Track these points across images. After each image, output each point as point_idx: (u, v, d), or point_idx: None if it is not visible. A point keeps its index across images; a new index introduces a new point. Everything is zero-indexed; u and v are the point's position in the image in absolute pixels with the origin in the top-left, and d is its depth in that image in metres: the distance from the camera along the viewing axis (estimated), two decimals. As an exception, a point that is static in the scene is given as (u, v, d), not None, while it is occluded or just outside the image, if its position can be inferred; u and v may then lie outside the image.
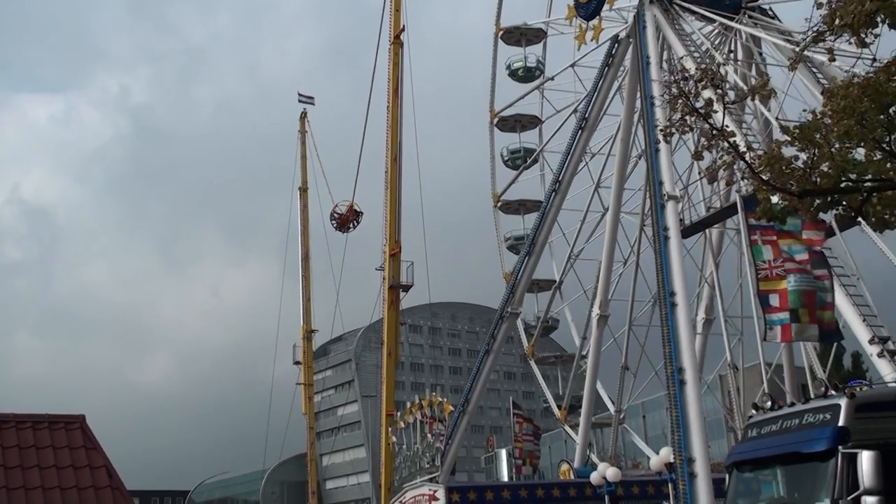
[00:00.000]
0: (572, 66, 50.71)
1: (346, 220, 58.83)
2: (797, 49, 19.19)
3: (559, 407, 49.86)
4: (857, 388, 12.47)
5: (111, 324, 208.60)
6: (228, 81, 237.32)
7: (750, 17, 39.83)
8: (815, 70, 34.68)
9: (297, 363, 69.97)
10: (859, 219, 13.88)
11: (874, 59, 12.08)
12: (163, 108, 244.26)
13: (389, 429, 45.20)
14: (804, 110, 14.61)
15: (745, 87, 29.78)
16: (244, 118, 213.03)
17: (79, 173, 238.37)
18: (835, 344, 33.33)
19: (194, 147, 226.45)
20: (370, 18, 48.58)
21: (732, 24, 39.52)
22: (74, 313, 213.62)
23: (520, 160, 55.58)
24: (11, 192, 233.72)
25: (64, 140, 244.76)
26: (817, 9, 11.58)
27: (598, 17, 43.92)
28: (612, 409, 46.96)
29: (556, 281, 51.37)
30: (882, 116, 11.36)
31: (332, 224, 59.48)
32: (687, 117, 12.76)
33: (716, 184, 40.62)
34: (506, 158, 56.25)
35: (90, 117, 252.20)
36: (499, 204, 56.36)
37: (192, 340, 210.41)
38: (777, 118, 32.50)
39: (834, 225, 27.91)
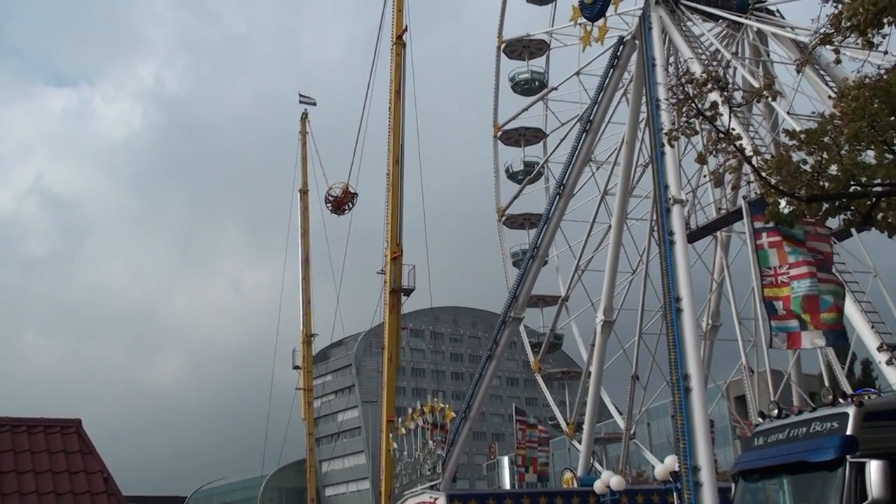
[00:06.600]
0: (577, 73, 50.64)
1: (342, 202, 57.57)
2: (807, 47, 19.02)
3: (567, 423, 49.54)
4: (866, 397, 12.29)
5: (124, 323, 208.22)
6: (261, 74, 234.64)
7: (757, 17, 39.61)
8: (822, 71, 34.46)
9: (296, 368, 69.61)
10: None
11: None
12: (196, 100, 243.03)
13: (390, 435, 44.92)
14: (812, 113, 14.45)
15: (752, 88, 29.52)
16: (277, 112, 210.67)
17: (106, 165, 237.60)
18: (849, 351, 33.19)
19: (223, 141, 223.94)
20: (410, 12, 48.71)
21: (742, 19, 39.29)
22: (88, 311, 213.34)
23: (521, 175, 55.39)
24: (35, 182, 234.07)
25: (92, 131, 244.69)
26: (824, 4, 11.43)
27: (603, 18, 43.73)
28: (619, 420, 46.58)
29: (562, 296, 50.81)
30: (893, 118, 11.18)
31: (328, 207, 58.14)
32: (692, 120, 12.59)
33: (723, 187, 40.34)
34: (511, 172, 56.07)
35: (122, 108, 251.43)
36: (503, 218, 55.72)
37: (204, 342, 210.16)
38: (790, 112, 32.00)
39: (854, 232, 27.72)
